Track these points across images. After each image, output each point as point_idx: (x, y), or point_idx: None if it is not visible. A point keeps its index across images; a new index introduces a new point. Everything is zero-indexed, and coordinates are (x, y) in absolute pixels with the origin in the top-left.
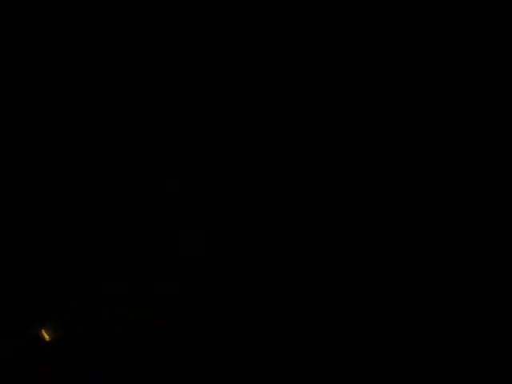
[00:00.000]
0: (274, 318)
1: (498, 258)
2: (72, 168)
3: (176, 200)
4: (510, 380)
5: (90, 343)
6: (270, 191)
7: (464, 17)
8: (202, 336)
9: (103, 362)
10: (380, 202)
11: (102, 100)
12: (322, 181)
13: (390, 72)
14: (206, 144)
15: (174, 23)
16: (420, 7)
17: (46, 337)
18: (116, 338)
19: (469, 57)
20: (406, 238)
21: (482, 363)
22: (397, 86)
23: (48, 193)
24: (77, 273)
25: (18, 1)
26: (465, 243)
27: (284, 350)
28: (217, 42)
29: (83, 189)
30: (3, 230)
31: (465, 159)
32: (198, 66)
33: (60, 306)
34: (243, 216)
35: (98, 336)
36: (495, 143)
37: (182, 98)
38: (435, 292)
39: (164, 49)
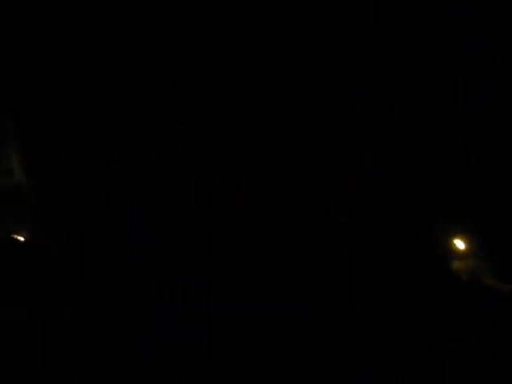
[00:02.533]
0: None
1: None
2: None
3: None
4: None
5: None
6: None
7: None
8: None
9: None
10: None
11: (104, 103)
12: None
13: (389, 72)
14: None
15: (174, 22)
16: (419, 8)
17: None
18: None
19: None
20: None
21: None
22: (397, 87)
23: None
24: None
25: (18, 1)
26: None
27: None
28: (217, 41)
29: None
30: None
31: None
32: (198, 65)
33: None
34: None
35: None
36: None
37: (181, 103)
38: None
39: (164, 47)
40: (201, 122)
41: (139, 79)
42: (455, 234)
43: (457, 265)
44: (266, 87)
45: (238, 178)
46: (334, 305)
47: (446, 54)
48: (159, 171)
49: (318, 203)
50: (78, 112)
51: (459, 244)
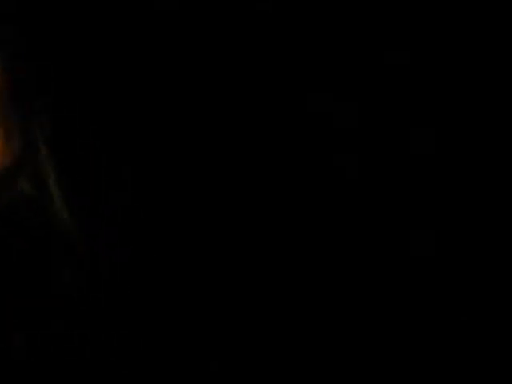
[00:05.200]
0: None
1: None
2: None
3: None
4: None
5: None
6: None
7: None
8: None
9: None
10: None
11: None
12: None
13: (389, 69)
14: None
15: (173, 21)
16: (419, 7)
17: None
18: None
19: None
20: None
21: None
22: (397, 85)
23: None
24: None
25: (18, 1)
26: None
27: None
28: (216, 41)
29: None
30: None
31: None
32: (198, 64)
33: None
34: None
35: None
36: None
37: (182, 103)
38: None
39: (164, 47)
40: (201, 123)
41: (139, 79)
42: None
43: None
44: (265, 86)
45: (238, 177)
46: (334, 304)
47: (446, 55)
48: (159, 171)
49: (317, 203)
50: (77, 111)
51: None
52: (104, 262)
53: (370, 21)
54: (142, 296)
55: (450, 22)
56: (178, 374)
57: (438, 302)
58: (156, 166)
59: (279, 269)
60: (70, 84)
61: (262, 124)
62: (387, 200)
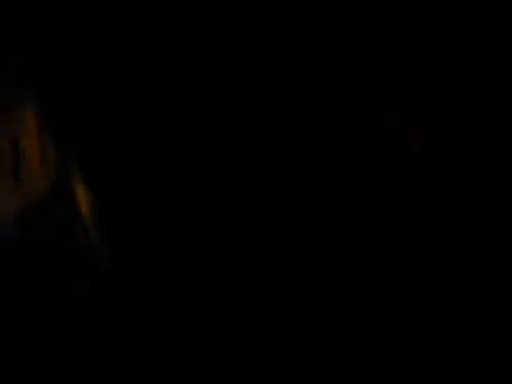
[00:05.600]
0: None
1: None
2: None
3: None
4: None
5: None
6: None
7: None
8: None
9: None
10: None
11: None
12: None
13: (389, 67)
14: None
15: (173, 21)
16: (419, 7)
17: None
18: None
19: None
20: None
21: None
22: (397, 85)
23: None
24: None
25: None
26: None
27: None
28: (216, 40)
29: None
30: None
31: None
32: (198, 64)
33: None
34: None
35: None
36: None
37: (184, 102)
38: None
39: (164, 47)
40: (201, 122)
41: (140, 79)
42: None
43: None
44: (265, 86)
45: (237, 176)
46: (334, 304)
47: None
48: (158, 170)
49: (317, 202)
50: (78, 111)
51: None
52: (128, 284)
53: (370, 21)
54: (143, 296)
55: (450, 22)
56: (178, 374)
57: (438, 301)
58: (180, 182)
59: (279, 269)
60: (99, 112)
61: (262, 124)
62: (387, 200)
